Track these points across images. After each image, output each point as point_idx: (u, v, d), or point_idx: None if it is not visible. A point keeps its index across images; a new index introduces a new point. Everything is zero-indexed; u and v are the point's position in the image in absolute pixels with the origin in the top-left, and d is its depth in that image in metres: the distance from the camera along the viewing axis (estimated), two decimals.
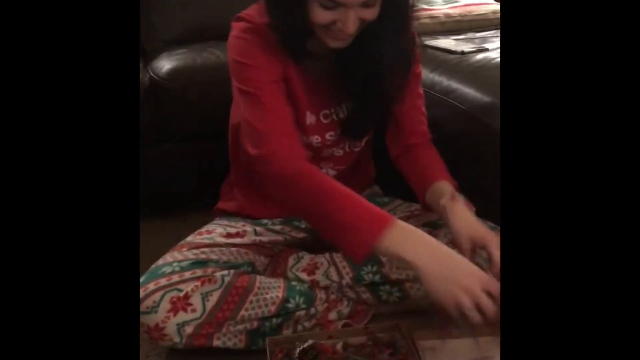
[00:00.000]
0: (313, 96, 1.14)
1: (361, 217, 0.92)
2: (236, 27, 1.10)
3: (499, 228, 1.15)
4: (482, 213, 1.21)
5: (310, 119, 1.15)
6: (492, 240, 0.99)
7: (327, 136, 1.18)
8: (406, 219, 1.22)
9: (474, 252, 1.02)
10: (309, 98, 1.14)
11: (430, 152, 1.20)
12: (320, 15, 0.98)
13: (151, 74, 1.62)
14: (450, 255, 0.90)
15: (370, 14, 0.99)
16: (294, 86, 1.11)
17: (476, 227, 1.02)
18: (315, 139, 1.17)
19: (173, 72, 1.59)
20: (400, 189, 1.31)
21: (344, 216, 0.93)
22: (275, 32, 1.04)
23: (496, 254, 0.97)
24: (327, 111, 1.16)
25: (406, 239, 0.91)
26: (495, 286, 0.86)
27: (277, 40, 1.05)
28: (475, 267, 0.89)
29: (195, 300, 1.05)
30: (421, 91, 1.23)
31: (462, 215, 1.05)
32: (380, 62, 1.07)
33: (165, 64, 1.62)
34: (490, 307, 0.85)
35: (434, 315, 0.96)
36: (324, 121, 1.17)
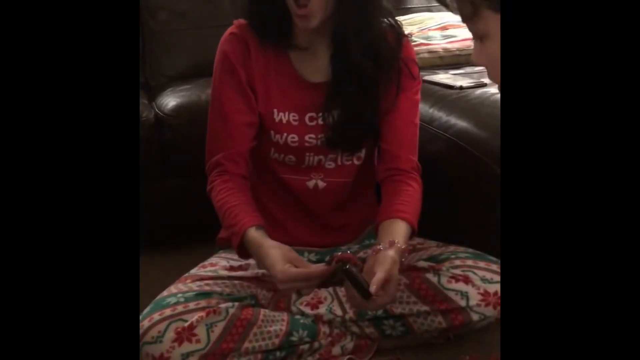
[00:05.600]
0: (296, 96, 1.19)
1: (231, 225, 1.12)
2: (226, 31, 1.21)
3: (499, 261, 1.16)
4: (481, 247, 1.22)
5: (279, 117, 1.19)
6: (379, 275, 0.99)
7: (307, 137, 1.19)
8: (409, 252, 1.24)
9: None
10: (285, 97, 1.19)
11: (408, 185, 1.17)
12: None
13: (156, 110, 1.65)
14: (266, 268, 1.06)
15: None
16: (268, 85, 1.19)
17: (385, 268, 1.00)
18: (291, 138, 1.19)
19: (178, 109, 1.62)
20: None
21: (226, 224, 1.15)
22: (251, 20, 1.17)
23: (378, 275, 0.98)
24: (313, 114, 1.19)
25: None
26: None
27: (256, 33, 1.17)
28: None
29: (200, 330, 1.06)
30: (416, 121, 1.23)
31: (385, 261, 1.02)
32: (352, 60, 1.13)
33: (170, 101, 1.66)
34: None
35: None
36: (309, 123, 1.19)
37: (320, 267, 1.03)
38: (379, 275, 0.98)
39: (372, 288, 0.96)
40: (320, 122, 1.19)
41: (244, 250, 1.10)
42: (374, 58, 1.15)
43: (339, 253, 1.01)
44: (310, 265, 1.04)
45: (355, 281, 0.98)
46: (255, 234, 1.07)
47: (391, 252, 1.02)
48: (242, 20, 1.21)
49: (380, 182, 1.22)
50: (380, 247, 1.04)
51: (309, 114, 1.20)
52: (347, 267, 0.98)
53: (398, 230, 1.08)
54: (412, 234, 1.13)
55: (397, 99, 1.19)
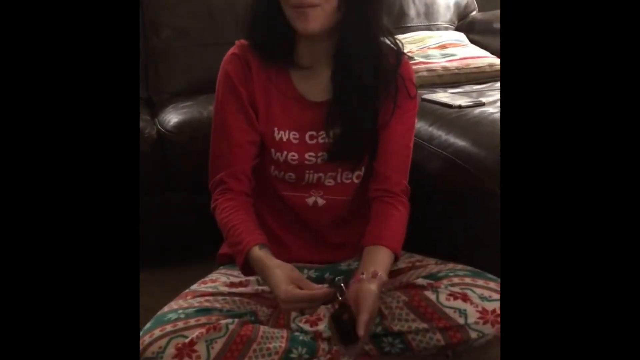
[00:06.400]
0: (296, 115, 1.21)
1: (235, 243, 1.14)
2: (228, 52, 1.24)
3: (497, 279, 1.17)
4: (479, 264, 1.23)
5: (280, 135, 1.21)
6: (363, 317, 1.01)
7: (307, 155, 1.21)
8: (408, 270, 1.25)
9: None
10: (285, 116, 1.21)
11: (396, 209, 1.21)
12: None
13: (159, 126, 1.67)
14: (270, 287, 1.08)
15: None
16: (269, 104, 1.21)
17: (369, 308, 1.03)
18: (291, 156, 1.21)
19: (180, 126, 1.64)
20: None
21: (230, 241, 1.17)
22: (253, 40, 1.19)
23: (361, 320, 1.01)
24: (313, 132, 1.21)
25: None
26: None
27: (259, 52, 1.19)
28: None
29: (200, 347, 1.06)
30: (410, 144, 1.26)
31: (369, 296, 1.05)
32: (352, 73, 1.15)
33: (172, 117, 1.67)
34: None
35: None
36: (309, 142, 1.22)
37: (323, 289, 1.04)
38: (364, 317, 1.01)
39: (360, 332, 1.00)
40: (320, 140, 1.21)
41: (248, 268, 1.12)
42: (374, 75, 1.17)
43: (339, 278, 1.03)
44: (314, 286, 1.05)
45: (340, 327, 1.02)
46: (259, 253, 1.09)
47: (373, 286, 1.05)
48: (243, 41, 1.23)
49: (370, 199, 1.25)
50: (364, 276, 1.07)
51: (309, 133, 1.22)
52: (338, 313, 1.02)
53: (382, 261, 1.12)
54: (395, 260, 1.17)
55: (394, 122, 1.21)
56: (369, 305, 1.03)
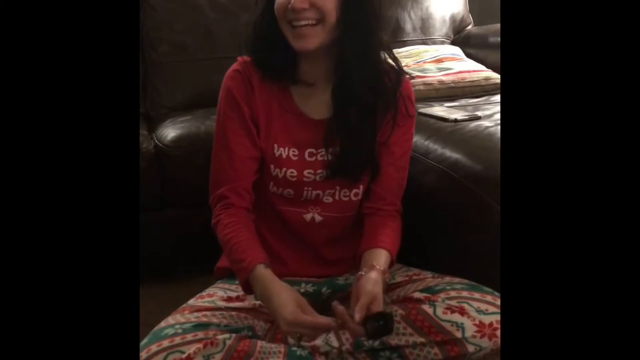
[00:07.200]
0: (297, 133, 1.22)
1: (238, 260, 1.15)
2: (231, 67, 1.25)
3: (494, 292, 1.18)
4: (476, 277, 1.24)
5: (279, 152, 1.22)
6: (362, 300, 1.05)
7: (305, 173, 1.22)
8: (405, 284, 1.25)
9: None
10: (286, 133, 1.22)
11: (390, 222, 1.25)
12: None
13: (156, 141, 1.67)
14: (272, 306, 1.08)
15: None
16: (270, 120, 1.22)
17: (367, 290, 1.07)
18: (290, 172, 1.22)
19: (177, 140, 1.65)
20: (400, 253, 1.34)
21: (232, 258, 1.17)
22: (255, 57, 1.20)
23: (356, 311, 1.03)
24: (312, 150, 1.22)
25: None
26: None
27: (261, 69, 1.20)
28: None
29: None
30: (407, 166, 1.29)
31: (367, 283, 1.09)
32: (351, 88, 1.17)
33: (170, 132, 1.68)
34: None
35: None
36: (308, 159, 1.23)
37: (328, 320, 1.05)
38: (363, 300, 1.04)
39: (357, 316, 1.02)
40: (319, 157, 1.22)
41: (249, 285, 1.13)
42: (374, 92, 1.19)
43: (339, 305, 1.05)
44: (318, 315, 1.06)
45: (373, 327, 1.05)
46: (264, 272, 1.11)
47: (373, 274, 1.10)
48: (246, 58, 1.24)
49: (363, 215, 1.28)
50: (362, 272, 1.11)
51: (308, 150, 1.23)
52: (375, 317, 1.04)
53: (378, 257, 1.17)
54: (391, 264, 1.20)
55: (393, 143, 1.23)
56: (368, 288, 1.06)
